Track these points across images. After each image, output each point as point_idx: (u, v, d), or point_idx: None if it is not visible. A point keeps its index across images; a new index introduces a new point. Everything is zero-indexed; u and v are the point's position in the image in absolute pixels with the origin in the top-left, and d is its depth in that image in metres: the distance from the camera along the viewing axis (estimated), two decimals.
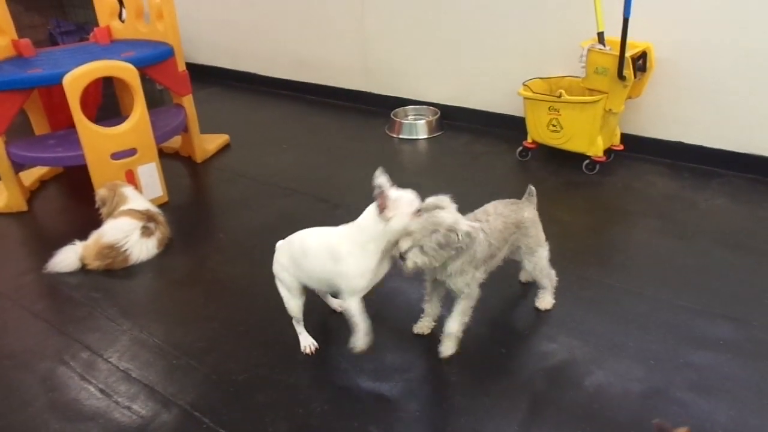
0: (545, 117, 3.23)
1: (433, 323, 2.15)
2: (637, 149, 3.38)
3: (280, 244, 2.06)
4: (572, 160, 3.29)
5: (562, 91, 3.12)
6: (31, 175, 3.44)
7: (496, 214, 2.01)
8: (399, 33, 4.08)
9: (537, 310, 2.22)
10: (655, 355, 1.99)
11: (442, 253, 1.77)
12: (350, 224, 1.87)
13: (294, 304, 2.05)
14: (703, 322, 2.13)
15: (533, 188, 2.15)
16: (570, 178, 3.23)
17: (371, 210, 1.79)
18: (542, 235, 2.17)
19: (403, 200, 1.76)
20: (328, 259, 1.85)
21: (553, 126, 3.23)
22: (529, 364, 1.99)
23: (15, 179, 3.12)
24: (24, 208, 3.18)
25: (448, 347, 2.02)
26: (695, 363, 1.95)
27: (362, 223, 1.82)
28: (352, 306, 1.86)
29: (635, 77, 2.95)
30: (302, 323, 2.11)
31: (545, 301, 2.23)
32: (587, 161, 3.23)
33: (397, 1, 3.98)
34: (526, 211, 2.11)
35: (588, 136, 3.15)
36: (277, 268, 2.05)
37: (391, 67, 4.25)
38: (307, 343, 2.11)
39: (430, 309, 2.13)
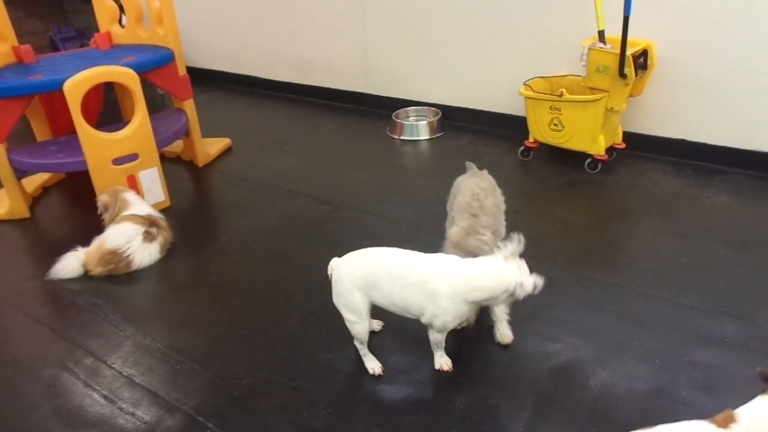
0: (546, 116, 3.22)
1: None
2: (640, 147, 3.37)
3: (346, 262, 1.90)
4: (574, 159, 3.28)
5: (564, 90, 3.11)
6: (33, 182, 3.45)
7: (483, 191, 2.16)
8: (400, 34, 4.08)
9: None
10: (660, 354, 1.98)
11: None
12: (457, 267, 1.77)
13: (362, 328, 1.90)
14: (707, 320, 2.12)
15: (472, 163, 2.42)
16: (572, 177, 3.22)
17: (493, 268, 1.72)
18: None
19: (523, 266, 1.74)
20: (423, 294, 1.76)
21: (555, 125, 3.22)
22: (534, 364, 1.98)
23: (17, 186, 3.12)
24: (26, 214, 3.19)
25: (506, 334, 2.06)
26: (700, 361, 1.94)
27: (479, 280, 1.73)
28: (439, 338, 1.91)
29: (636, 75, 2.94)
30: (366, 345, 1.98)
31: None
32: (589, 160, 3.22)
33: (397, 2, 3.98)
34: (486, 174, 2.37)
35: (590, 135, 3.14)
36: (344, 287, 1.86)
37: (392, 69, 4.24)
38: (373, 365, 1.99)
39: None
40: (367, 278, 1.83)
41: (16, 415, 1.94)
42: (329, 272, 1.93)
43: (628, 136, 3.35)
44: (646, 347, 2.02)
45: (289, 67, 4.81)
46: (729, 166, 3.16)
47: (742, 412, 1.36)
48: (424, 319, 1.83)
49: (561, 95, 3.11)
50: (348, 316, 1.90)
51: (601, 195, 3.04)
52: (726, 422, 1.36)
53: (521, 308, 2.19)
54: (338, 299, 1.91)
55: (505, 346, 2.06)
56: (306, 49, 4.62)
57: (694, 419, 1.49)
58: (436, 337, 1.91)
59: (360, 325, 1.90)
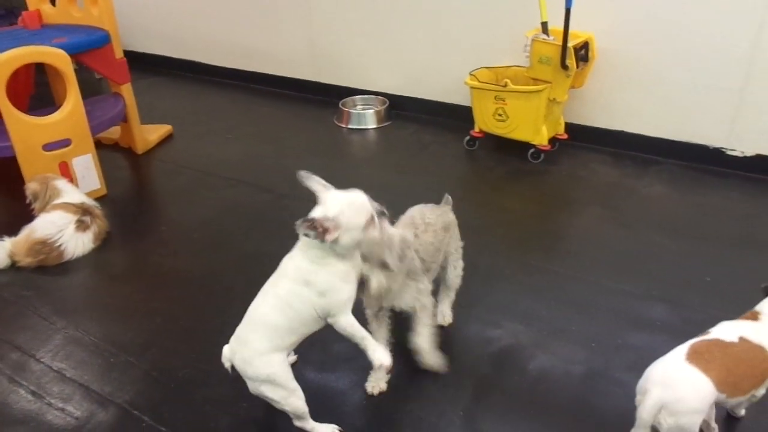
0: (491, 106, 3.25)
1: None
2: (581, 138, 3.45)
3: (242, 340, 1.60)
4: (518, 149, 3.33)
5: (508, 81, 3.15)
6: None
7: (425, 224, 1.86)
8: (347, 22, 4.03)
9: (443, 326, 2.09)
10: (596, 337, 2.04)
11: (402, 268, 1.62)
12: (301, 258, 1.59)
13: (298, 397, 1.62)
14: (641, 305, 2.19)
15: (449, 197, 2.07)
16: (516, 166, 3.27)
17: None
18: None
19: (349, 211, 1.50)
20: (313, 292, 1.55)
21: (499, 115, 3.25)
22: (474, 349, 2.01)
23: None
24: None
25: (447, 314, 2.04)
26: (634, 344, 2.00)
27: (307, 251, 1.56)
28: (357, 326, 1.60)
29: (578, 67, 3.00)
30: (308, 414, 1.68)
31: (448, 315, 2.11)
32: (532, 150, 3.28)
33: None
34: (450, 213, 2.03)
35: (533, 125, 3.19)
36: (259, 362, 1.56)
37: (339, 57, 4.20)
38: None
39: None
40: (269, 334, 1.58)
41: None
42: (227, 365, 1.61)
43: (570, 127, 3.43)
44: (582, 331, 2.07)
45: (234, 53, 4.68)
46: (664, 157, 3.28)
47: (763, 308, 1.60)
48: (330, 318, 1.59)
49: (505, 85, 3.15)
50: (278, 394, 1.59)
51: (544, 184, 3.10)
52: (754, 317, 1.59)
53: (463, 294, 2.21)
54: (256, 383, 1.59)
55: (445, 328, 2.08)
56: (251, 34, 4.51)
57: (628, 400, 1.54)
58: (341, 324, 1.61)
59: (295, 393, 1.61)
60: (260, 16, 4.39)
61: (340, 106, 4.00)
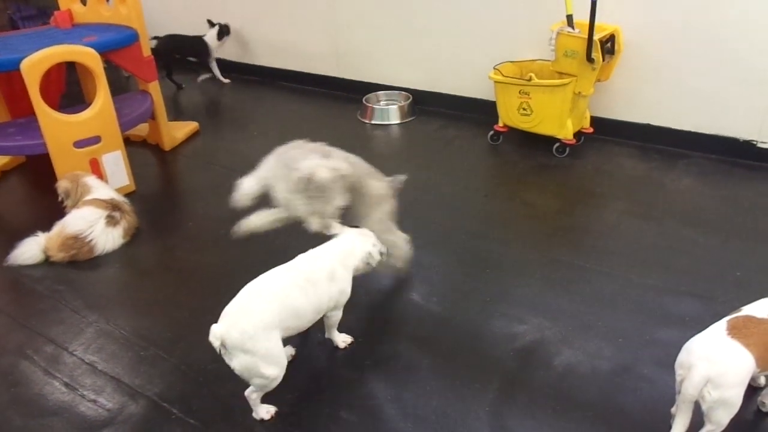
0: (516, 100, 3.23)
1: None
2: (607, 132, 3.40)
3: (239, 315, 1.65)
4: (543, 143, 3.30)
5: (532, 75, 3.12)
6: None
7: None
8: (371, 18, 4.03)
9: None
10: (624, 333, 2.02)
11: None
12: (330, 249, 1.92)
13: (280, 378, 1.70)
14: (670, 299, 2.16)
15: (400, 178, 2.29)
16: (541, 161, 3.25)
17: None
18: None
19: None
20: (330, 283, 1.84)
21: (524, 109, 3.23)
22: (500, 345, 2.00)
23: None
24: None
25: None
26: (662, 340, 1.98)
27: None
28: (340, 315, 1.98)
29: (604, 60, 2.96)
30: None
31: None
32: (557, 144, 3.24)
33: None
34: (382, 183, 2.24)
35: (558, 120, 3.16)
36: (259, 339, 1.63)
37: (362, 52, 4.20)
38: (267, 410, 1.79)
39: None
40: (280, 309, 1.68)
41: None
42: (216, 344, 1.62)
43: (595, 121, 3.38)
44: (609, 327, 2.05)
45: (258, 50, 4.72)
46: (693, 150, 3.22)
47: None
48: (334, 311, 1.91)
49: (530, 80, 3.12)
50: (271, 372, 1.65)
51: (569, 179, 3.07)
52: None
53: (488, 289, 2.21)
54: (251, 360, 1.61)
55: (472, 322, 2.07)
56: (275, 30, 4.54)
57: (656, 396, 1.53)
58: (338, 316, 1.96)
59: (280, 375, 1.69)
60: (285, 13, 4.41)
61: (364, 101, 4.01)
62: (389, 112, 3.90)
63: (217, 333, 1.62)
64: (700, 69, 3.05)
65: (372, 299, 2.25)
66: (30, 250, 2.56)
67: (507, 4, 3.47)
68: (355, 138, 3.71)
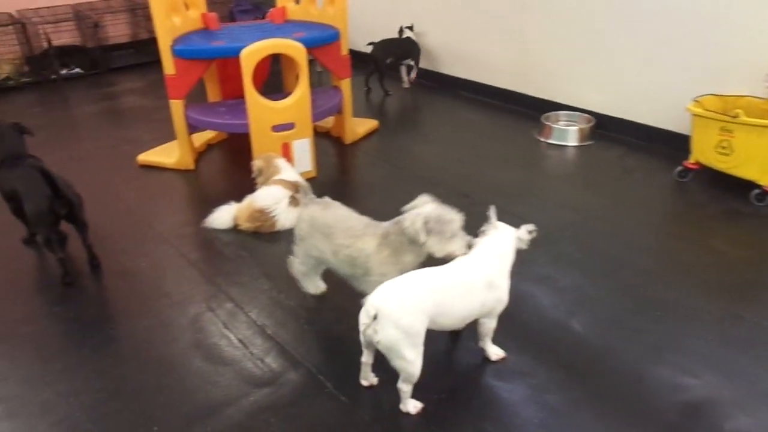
0: (715, 137, 2.97)
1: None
2: None
3: (397, 292, 1.69)
4: (739, 187, 3.00)
5: (740, 111, 2.85)
6: (200, 138, 3.79)
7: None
8: (560, 35, 3.95)
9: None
10: None
11: None
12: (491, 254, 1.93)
13: (420, 363, 1.70)
14: None
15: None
16: (734, 206, 2.96)
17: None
18: None
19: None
20: (485, 290, 1.86)
21: (723, 148, 2.96)
22: (663, 394, 1.86)
23: (188, 140, 3.45)
24: (191, 166, 3.52)
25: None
26: None
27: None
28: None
29: None
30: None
31: None
32: (757, 191, 2.93)
33: (559, 3, 3.86)
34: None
35: (763, 164, 2.85)
36: (408, 317, 1.65)
37: (547, 70, 4.13)
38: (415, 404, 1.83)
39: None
40: (435, 300, 1.72)
41: (164, 341, 2.16)
42: (372, 312, 1.64)
43: None
44: None
45: (442, 58, 4.84)
46: None
47: None
48: (488, 318, 1.93)
49: (736, 116, 2.85)
50: (410, 354, 1.66)
51: (765, 230, 2.76)
52: None
53: (656, 334, 2.07)
54: (399, 336, 1.63)
55: (633, 368, 1.96)
56: (463, 40, 4.61)
57: None
58: (492, 324, 1.96)
59: (420, 359, 1.69)
60: (476, 26, 4.47)
61: (542, 120, 3.93)
62: (568, 133, 3.79)
63: (375, 302, 1.64)
64: None
65: (528, 318, 2.21)
66: (223, 216, 2.88)
67: (717, 31, 3.19)
68: (529, 155, 3.66)
